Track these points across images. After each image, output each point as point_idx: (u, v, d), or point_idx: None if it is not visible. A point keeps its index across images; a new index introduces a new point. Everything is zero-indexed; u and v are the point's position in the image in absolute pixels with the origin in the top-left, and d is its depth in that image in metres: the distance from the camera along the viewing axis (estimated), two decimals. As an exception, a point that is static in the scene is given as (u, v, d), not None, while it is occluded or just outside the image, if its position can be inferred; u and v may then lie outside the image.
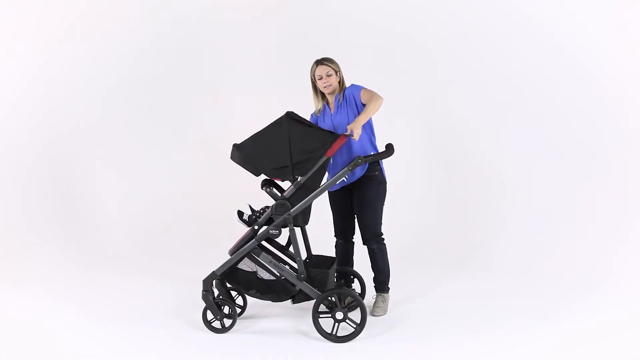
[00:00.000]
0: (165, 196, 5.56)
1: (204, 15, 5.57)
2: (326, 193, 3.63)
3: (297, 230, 3.44)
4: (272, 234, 3.36)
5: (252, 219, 3.43)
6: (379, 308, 3.66)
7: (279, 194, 3.41)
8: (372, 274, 3.71)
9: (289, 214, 3.31)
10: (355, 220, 3.74)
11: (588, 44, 4.95)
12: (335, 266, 3.59)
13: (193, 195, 5.53)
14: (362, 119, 3.31)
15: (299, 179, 3.29)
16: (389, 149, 3.37)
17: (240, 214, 3.46)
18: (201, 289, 3.42)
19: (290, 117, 3.23)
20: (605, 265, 4.33)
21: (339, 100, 3.59)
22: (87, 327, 3.53)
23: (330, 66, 3.55)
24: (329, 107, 3.65)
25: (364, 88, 3.54)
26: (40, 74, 5.44)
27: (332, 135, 3.27)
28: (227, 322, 3.44)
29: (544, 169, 5.02)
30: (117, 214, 5.46)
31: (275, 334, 3.39)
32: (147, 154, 5.62)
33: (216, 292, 3.49)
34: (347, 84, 3.64)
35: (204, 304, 3.42)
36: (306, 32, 5.50)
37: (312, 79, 3.63)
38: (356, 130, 3.23)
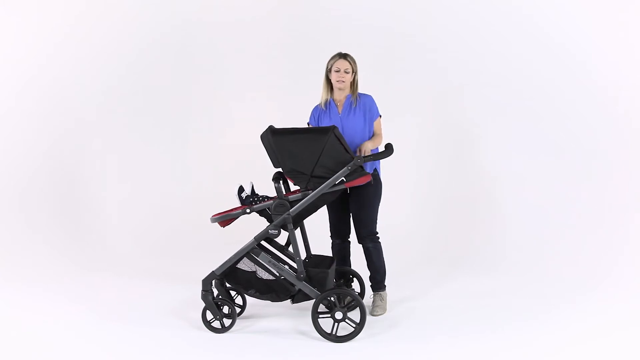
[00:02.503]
0: (165, 196, 5.56)
1: (204, 16, 5.56)
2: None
3: (297, 230, 3.44)
4: (271, 234, 3.36)
5: (247, 200, 3.43)
6: (378, 307, 3.66)
7: (284, 193, 3.41)
8: (369, 274, 3.71)
9: (289, 214, 3.31)
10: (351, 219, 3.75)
11: (589, 44, 4.94)
12: (334, 266, 3.59)
13: (193, 195, 5.54)
14: (370, 145, 3.50)
15: (310, 192, 3.30)
16: (388, 149, 3.38)
17: (240, 189, 3.45)
18: (200, 288, 3.42)
19: (334, 133, 3.21)
20: (606, 265, 4.32)
21: (352, 103, 3.57)
22: (87, 327, 3.53)
23: (351, 64, 3.54)
24: (336, 105, 3.63)
25: (380, 117, 3.62)
26: (40, 74, 5.44)
27: (360, 170, 3.29)
28: (227, 322, 3.43)
29: (544, 168, 5.01)
30: (118, 214, 5.46)
31: (274, 334, 3.39)
32: (148, 154, 5.62)
33: (215, 292, 3.49)
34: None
35: (204, 304, 3.42)
36: (306, 32, 5.49)
37: (327, 69, 3.60)
38: (366, 151, 3.45)
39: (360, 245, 3.67)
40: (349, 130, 3.54)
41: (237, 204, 3.47)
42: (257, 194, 3.48)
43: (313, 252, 3.68)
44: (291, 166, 3.30)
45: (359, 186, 3.53)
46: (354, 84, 3.60)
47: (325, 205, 3.68)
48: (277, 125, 3.39)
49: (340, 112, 3.60)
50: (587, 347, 3.12)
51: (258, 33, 5.54)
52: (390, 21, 5.32)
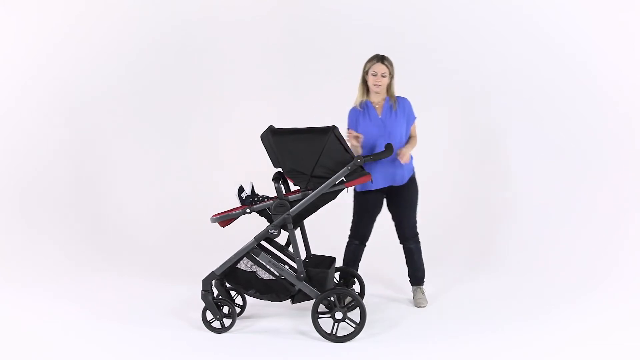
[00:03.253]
0: (165, 196, 5.55)
1: (204, 17, 5.55)
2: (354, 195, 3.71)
3: (297, 230, 3.44)
4: (271, 234, 3.36)
5: (247, 200, 3.43)
6: (421, 299, 3.77)
7: (284, 193, 3.41)
8: (407, 271, 3.85)
9: (289, 214, 3.31)
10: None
11: (589, 44, 4.94)
12: (334, 266, 3.59)
13: (193, 195, 5.53)
14: (410, 149, 3.58)
15: (310, 192, 3.30)
16: (388, 149, 3.38)
17: (240, 189, 3.45)
18: (200, 288, 3.42)
19: (334, 133, 3.23)
20: (606, 265, 4.31)
21: (392, 107, 3.59)
22: (87, 327, 3.53)
23: (389, 68, 3.55)
24: (374, 107, 3.61)
25: (415, 120, 3.69)
26: (40, 74, 5.44)
27: (360, 170, 3.30)
28: (227, 322, 3.44)
29: (544, 168, 5.01)
30: (118, 214, 5.45)
31: (274, 334, 3.39)
32: (148, 154, 5.61)
33: (215, 292, 3.49)
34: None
35: (204, 304, 3.42)
36: (306, 32, 5.48)
37: (364, 71, 3.59)
38: (406, 156, 3.50)
39: (402, 245, 3.78)
40: (391, 133, 3.54)
41: (237, 204, 3.47)
42: (257, 194, 3.48)
43: (313, 252, 3.68)
44: (291, 166, 3.30)
45: (405, 189, 3.60)
46: (390, 87, 3.61)
47: (355, 207, 3.70)
48: (277, 125, 3.39)
49: (380, 114, 3.59)
50: (587, 347, 3.12)
51: (258, 33, 5.53)
52: (390, 21, 5.31)
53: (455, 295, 3.99)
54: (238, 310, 3.64)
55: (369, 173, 3.34)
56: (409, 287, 3.92)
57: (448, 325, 3.47)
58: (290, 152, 3.28)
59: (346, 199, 3.69)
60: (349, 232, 3.81)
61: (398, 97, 3.64)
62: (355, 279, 3.81)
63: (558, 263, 4.43)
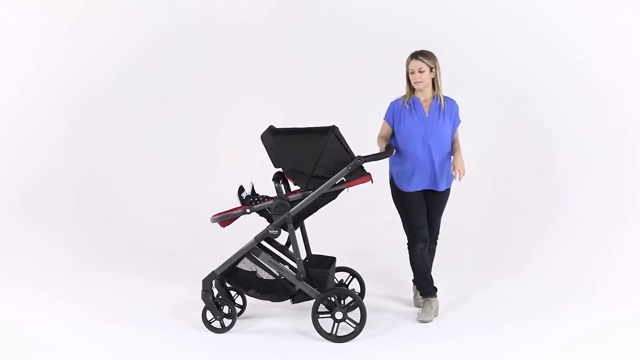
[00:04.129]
0: (165, 196, 5.55)
1: (204, 17, 5.55)
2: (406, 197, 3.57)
3: (297, 230, 3.45)
4: (272, 234, 3.36)
5: (247, 200, 3.43)
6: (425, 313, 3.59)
7: (284, 193, 3.41)
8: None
9: (289, 214, 3.31)
10: None
11: (589, 44, 4.95)
12: (334, 266, 3.59)
13: (193, 195, 5.53)
14: (462, 158, 3.51)
15: (310, 192, 3.30)
16: (389, 149, 3.38)
17: (240, 189, 3.45)
18: (201, 288, 3.42)
19: (334, 133, 3.23)
20: (606, 265, 4.32)
21: (440, 107, 3.52)
22: (87, 327, 3.53)
23: (424, 62, 3.46)
24: (422, 105, 3.54)
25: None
26: (40, 74, 5.45)
27: (360, 170, 3.29)
28: (227, 322, 3.43)
29: (542, 167, 5.01)
30: (118, 214, 5.45)
31: (275, 334, 3.39)
32: (148, 154, 5.61)
33: (216, 292, 3.49)
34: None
35: (204, 304, 3.42)
36: (306, 32, 5.48)
37: (406, 71, 3.55)
38: (463, 169, 3.47)
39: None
40: (436, 134, 3.48)
41: (237, 204, 3.47)
42: (257, 194, 3.48)
43: (313, 252, 3.68)
44: (291, 166, 3.31)
45: (440, 193, 3.56)
46: (436, 82, 3.53)
47: (407, 210, 3.56)
48: (278, 125, 3.39)
49: (427, 113, 3.53)
50: (587, 347, 3.12)
51: (258, 33, 5.53)
52: (390, 21, 5.32)
53: (455, 295, 3.98)
54: (238, 310, 3.64)
55: (369, 173, 3.34)
56: (410, 287, 3.92)
57: (448, 325, 3.47)
58: (291, 152, 3.28)
59: (347, 199, 3.70)
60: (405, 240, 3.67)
61: (446, 98, 3.57)
62: (355, 279, 3.81)
63: (558, 263, 4.43)
